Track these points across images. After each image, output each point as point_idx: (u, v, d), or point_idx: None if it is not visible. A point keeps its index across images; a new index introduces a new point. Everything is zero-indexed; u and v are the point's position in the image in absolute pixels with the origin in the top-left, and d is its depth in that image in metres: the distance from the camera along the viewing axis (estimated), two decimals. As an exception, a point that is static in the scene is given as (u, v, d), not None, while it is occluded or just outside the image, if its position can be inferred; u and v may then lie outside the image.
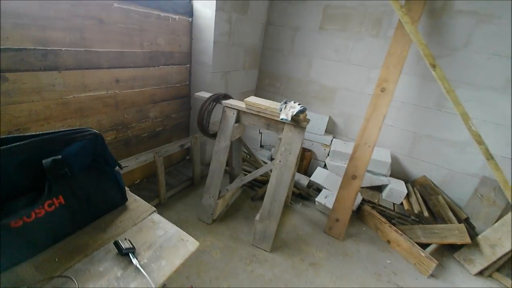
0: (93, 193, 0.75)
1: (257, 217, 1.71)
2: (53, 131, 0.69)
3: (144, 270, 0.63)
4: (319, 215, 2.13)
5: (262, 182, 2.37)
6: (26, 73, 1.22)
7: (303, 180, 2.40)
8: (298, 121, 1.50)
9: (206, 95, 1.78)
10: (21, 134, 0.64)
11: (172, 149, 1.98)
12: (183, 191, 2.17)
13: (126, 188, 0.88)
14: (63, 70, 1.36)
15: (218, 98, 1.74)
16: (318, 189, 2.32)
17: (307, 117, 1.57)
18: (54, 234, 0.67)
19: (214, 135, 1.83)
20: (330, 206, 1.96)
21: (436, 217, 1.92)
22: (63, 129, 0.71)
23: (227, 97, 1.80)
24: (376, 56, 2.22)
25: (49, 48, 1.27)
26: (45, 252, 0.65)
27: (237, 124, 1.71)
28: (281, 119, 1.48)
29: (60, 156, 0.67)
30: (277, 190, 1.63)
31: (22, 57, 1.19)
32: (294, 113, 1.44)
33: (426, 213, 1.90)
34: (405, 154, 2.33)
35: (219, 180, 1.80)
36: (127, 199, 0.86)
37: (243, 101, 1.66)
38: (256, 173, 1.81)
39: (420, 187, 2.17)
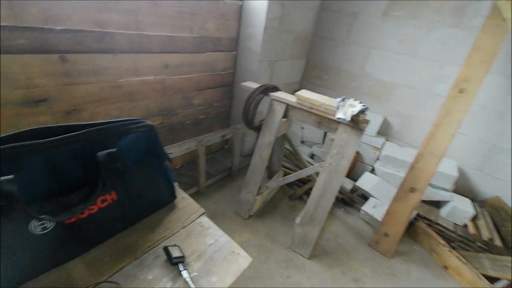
0: (144, 189, 0.70)
1: (298, 220, 1.60)
2: (107, 120, 0.64)
3: (195, 285, 0.56)
4: (363, 225, 1.94)
5: (302, 181, 2.24)
6: (84, 55, 1.23)
7: (347, 184, 2.20)
8: (357, 122, 1.32)
9: (254, 85, 1.67)
10: (73, 124, 0.59)
11: (214, 139, 1.94)
12: (221, 181, 2.14)
13: (175, 184, 0.83)
14: (117, 54, 1.35)
15: (266, 90, 1.62)
16: (364, 196, 2.12)
17: (366, 118, 1.37)
18: (105, 231, 0.63)
19: (258, 128, 1.73)
20: (379, 218, 1.77)
21: (509, 248, 1.62)
22: (116, 119, 0.66)
23: (275, 89, 1.67)
24: (453, 49, 1.88)
25: (105, 31, 1.26)
26: (95, 250, 0.62)
27: (284, 119, 1.58)
28: (338, 118, 1.31)
29: (115, 149, 0.62)
30: (323, 196, 1.49)
31: (80, 39, 1.19)
32: (355, 112, 1.26)
33: (498, 242, 1.60)
34: (475, 168, 2.00)
35: (259, 176, 1.72)
36: (176, 197, 0.80)
37: (292, 94, 1.51)
38: (301, 174, 1.68)
39: (491, 209, 1.84)
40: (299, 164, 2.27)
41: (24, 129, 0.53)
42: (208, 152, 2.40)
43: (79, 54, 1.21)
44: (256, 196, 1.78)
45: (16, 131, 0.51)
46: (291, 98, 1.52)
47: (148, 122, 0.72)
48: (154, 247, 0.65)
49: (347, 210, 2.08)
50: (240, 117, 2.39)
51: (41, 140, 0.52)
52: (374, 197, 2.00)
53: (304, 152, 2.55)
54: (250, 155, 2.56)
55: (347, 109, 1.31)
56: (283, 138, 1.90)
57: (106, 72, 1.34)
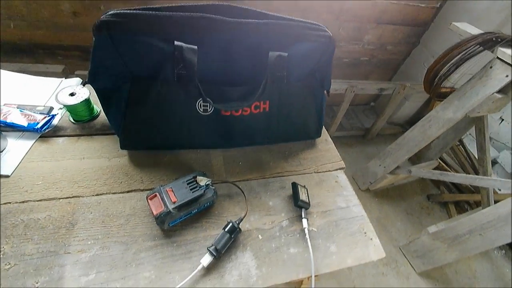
0: (295, 112, 0.60)
1: (432, 229, 1.22)
2: (287, 16, 0.51)
3: (310, 243, 0.46)
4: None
5: (457, 186, 1.64)
6: None
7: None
8: None
9: (472, 30, 1.10)
10: (252, 8, 0.50)
11: (369, 89, 1.60)
12: (350, 139, 1.88)
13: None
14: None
15: (492, 42, 1.04)
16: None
17: None
18: (248, 137, 0.61)
19: (441, 96, 1.24)
20: None
21: None
22: (296, 19, 0.52)
23: (509, 43, 1.05)
24: None
25: None
26: (234, 151, 0.62)
27: (500, 96, 1.02)
28: None
29: (286, 54, 0.51)
30: (496, 226, 1.00)
31: None
32: None
33: None
34: None
35: (407, 155, 1.33)
36: (320, 135, 0.68)
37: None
38: (472, 180, 1.17)
39: None
40: (472, 166, 1.62)
41: (207, 3, 0.49)
42: (350, 102, 2.09)
43: None
44: (388, 174, 1.45)
45: (200, 3, 0.47)
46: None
47: (329, 32, 0.56)
48: (282, 176, 0.59)
49: (509, 255, 1.42)
50: (413, 73, 1.84)
51: (229, 19, 0.47)
52: None
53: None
54: (397, 124, 2.07)
55: None
56: (472, 123, 1.31)
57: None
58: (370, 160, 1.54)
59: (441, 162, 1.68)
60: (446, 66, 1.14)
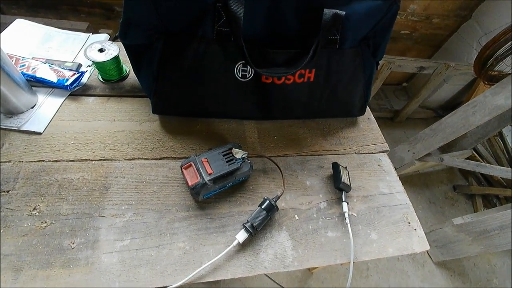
0: (342, 84, 0.54)
1: (458, 221, 1.16)
2: None
3: (351, 228, 0.43)
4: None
5: (487, 179, 1.54)
6: None
7: None
8: None
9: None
10: None
11: (407, 67, 1.46)
12: (376, 121, 1.77)
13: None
14: None
15: None
16: None
17: None
18: (287, 109, 0.55)
19: (491, 79, 1.11)
20: None
21: None
22: None
23: None
24: None
25: None
26: (270, 123, 0.57)
27: None
28: None
29: (344, 13, 0.43)
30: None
31: None
32: None
33: None
34: None
35: (441, 142, 1.24)
36: (364, 113, 0.61)
37: None
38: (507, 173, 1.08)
39: None
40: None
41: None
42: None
43: None
44: (416, 160, 1.37)
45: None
46: None
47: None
48: (320, 155, 0.54)
49: (536, 255, 1.36)
50: (457, 51, 1.66)
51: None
52: None
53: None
54: (430, 108, 1.92)
55: None
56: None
57: None
58: (396, 144, 1.45)
59: (473, 152, 1.57)
60: (506, 46, 1.00)
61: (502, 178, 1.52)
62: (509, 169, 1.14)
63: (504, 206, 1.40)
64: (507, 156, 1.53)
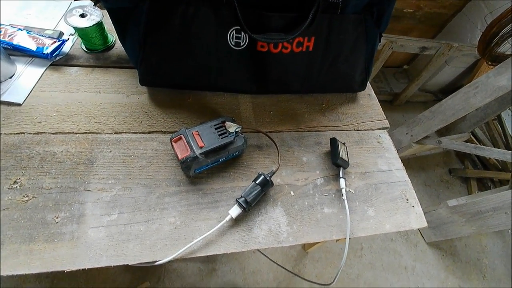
0: (343, 56, 0.51)
1: (452, 203, 1.17)
2: None
3: (348, 204, 0.42)
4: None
5: (483, 162, 1.55)
6: None
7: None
8: None
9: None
10: None
11: (408, 47, 1.41)
12: (375, 104, 1.75)
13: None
14: None
15: None
16: None
17: None
18: (284, 82, 0.52)
19: (495, 60, 1.07)
20: None
21: None
22: None
23: None
24: None
25: None
26: (265, 98, 0.54)
27: None
28: None
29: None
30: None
31: None
32: None
33: None
34: None
35: (440, 125, 1.22)
36: (364, 88, 0.58)
37: None
38: (505, 155, 1.08)
39: None
40: (508, 144, 1.50)
41: None
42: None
43: None
44: (414, 143, 1.36)
45: None
46: None
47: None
48: (318, 131, 0.52)
49: (526, 236, 1.39)
50: (461, 32, 1.61)
51: None
52: None
53: (520, 129, 1.64)
54: (430, 91, 1.89)
55: None
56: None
57: None
58: (395, 127, 1.43)
59: (471, 136, 1.56)
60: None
61: (498, 161, 1.52)
62: (508, 151, 1.13)
63: (499, 188, 1.41)
64: (504, 140, 1.52)
